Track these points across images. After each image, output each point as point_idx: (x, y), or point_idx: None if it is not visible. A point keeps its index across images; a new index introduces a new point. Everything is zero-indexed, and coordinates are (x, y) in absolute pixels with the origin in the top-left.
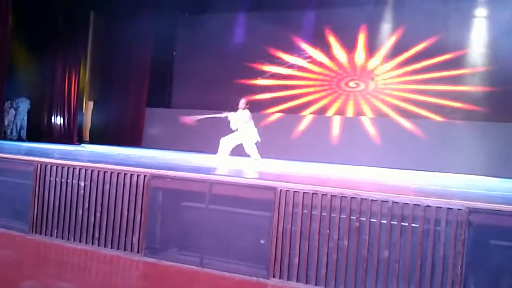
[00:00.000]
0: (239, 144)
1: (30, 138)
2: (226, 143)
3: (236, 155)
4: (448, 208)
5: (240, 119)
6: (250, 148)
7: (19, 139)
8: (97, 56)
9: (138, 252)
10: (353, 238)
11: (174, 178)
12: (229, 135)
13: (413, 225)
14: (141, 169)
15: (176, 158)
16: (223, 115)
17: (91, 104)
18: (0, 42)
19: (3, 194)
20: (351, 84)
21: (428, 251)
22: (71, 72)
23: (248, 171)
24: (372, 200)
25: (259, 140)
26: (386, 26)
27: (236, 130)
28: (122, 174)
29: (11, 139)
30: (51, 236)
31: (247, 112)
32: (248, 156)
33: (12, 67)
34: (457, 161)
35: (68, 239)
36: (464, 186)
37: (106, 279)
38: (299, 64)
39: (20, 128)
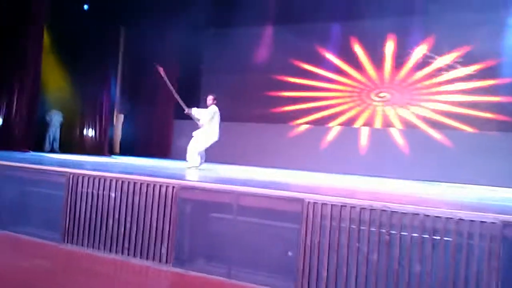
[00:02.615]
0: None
1: (62, 150)
2: (194, 147)
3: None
4: (481, 222)
5: (206, 115)
6: (198, 147)
7: (52, 151)
8: (127, 70)
9: (166, 262)
10: (383, 251)
11: (202, 190)
12: (193, 139)
13: (445, 238)
14: (170, 180)
15: (204, 168)
16: (186, 110)
17: (121, 117)
18: (35, 57)
19: (37, 205)
20: (379, 95)
21: (461, 266)
22: (102, 86)
23: (276, 182)
24: (402, 212)
25: (217, 140)
26: (414, 36)
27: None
28: (151, 185)
29: (44, 151)
30: (82, 245)
31: (213, 107)
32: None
33: (45, 81)
34: (490, 173)
35: (98, 248)
36: (497, 199)
37: None
38: (326, 75)
39: (53, 140)
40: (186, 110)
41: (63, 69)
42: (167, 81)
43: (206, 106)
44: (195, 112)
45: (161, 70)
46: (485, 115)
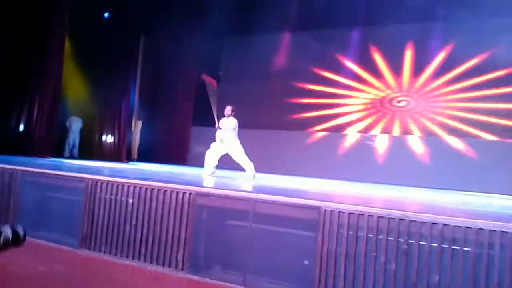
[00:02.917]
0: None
1: (81, 156)
2: (211, 155)
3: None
4: (502, 232)
5: (227, 127)
6: (243, 161)
7: (71, 156)
8: (146, 77)
9: (182, 269)
10: (401, 261)
11: (218, 196)
12: (213, 147)
13: (464, 248)
14: (187, 186)
15: (221, 175)
16: (217, 125)
17: (139, 123)
18: (56, 65)
19: (56, 210)
20: (398, 102)
21: (482, 276)
22: (121, 93)
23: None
24: (421, 222)
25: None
26: (434, 43)
27: (221, 141)
28: (168, 191)
29: (63, 157)
30: (99, 251)
31: (233, 119)
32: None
33: (65, 88)
34: (511, 182)
35: (115, 254)
36: None
37: None
38: (345, 82)
39: (73, 146)
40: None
41: (83, 76)
42: (211, 95)
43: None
44: (221, 124)
45: (208, 80)
46: (506, 123)
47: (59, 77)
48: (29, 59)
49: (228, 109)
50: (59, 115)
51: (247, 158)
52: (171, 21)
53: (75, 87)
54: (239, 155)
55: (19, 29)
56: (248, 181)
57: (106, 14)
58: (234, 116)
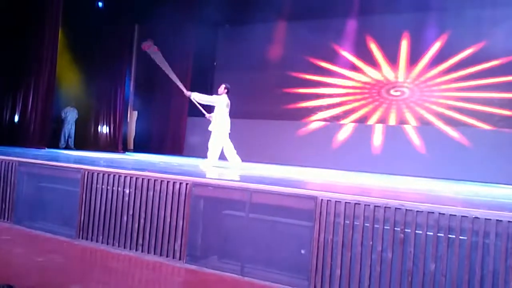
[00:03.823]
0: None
1: (77, 147)
2: (214, 146)
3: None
4: (497, 220)
5: (221, 103)
6: (212, 149)
7: (67, 147)
8: (141, 67)
9: (180, 259)
10: (397, 250)
11: (215, 187)
12: (213, 138)
13: (460, 237)
14: (183, 177)
15: (217, 165)
16: (186, 93)
17: (135, 113)
18: (50, 55)
19: (52, 201)
20: (394, 92)
21: (477, 265)
22: (117, 83)
23: (289, 180)
24: (417, 211)
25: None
26: (429, 32)
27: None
28: (165, 182)
29: (59, 148)
30: (96, 241)
31: (225, 97)
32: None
33: (60, 78)
34: (506, 171)
35: (113, 245)
36: None
37: (148, 285)
38: (340, 72)
39: (68, 137)
40: (187, 94)
41: (78, 66)
42: (159, 62)
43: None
44: (197, 96)
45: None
46: (501, 112)
47: (53, 68)
48: (22, 49)
49: (222, 87)
50: (54, 106)
51: (218, 150)
52: (165, 11)
53: (69, 77)
54: (213, 141)
55: (12, 19)
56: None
57: (100, 4)
58: (227, 94)
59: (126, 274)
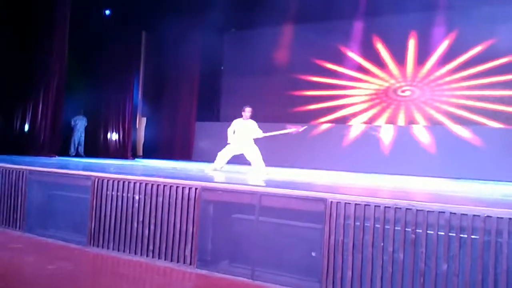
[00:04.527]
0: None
1: (87, 154)
2: (224, 155)
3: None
4: (510, 219)
5: (250, 129)
6: (258, 159)
7: (77, 155)
8: (149, 74)
9: (190, 264)
10: (408, 250)
11: (224, 191)
12: (227, 148)
13: (472, 236)
14: (193, 182)
15: (227, 170)
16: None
17: (144, 120)
18: (58, 64)
19: (63, 208)
20: (402, 92)
21: (490, 264)
22: (125, 90)
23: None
24: (428, 211)
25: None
26: (437, 31)
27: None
28: (174, 187)
29: (69, 156)
30: (107, 248)
31: (253, 121)
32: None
33: (69, 87)
34: None
35: (124, 251)
36: None
37: None
38: (348, 73)
39: (78, 145)
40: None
41: (86, 74)
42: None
43: (235, 111)
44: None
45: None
46: (511, 110)
47: (62, 76)
48: (31, 59)
49: (248, 110)
50: (64, 114)
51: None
52: (172, 18)
53: (78, 85)
54: (256, 154)
55: (20, 29)
56: (260, 176)
57: (107, 12)
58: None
59: (137, 280)
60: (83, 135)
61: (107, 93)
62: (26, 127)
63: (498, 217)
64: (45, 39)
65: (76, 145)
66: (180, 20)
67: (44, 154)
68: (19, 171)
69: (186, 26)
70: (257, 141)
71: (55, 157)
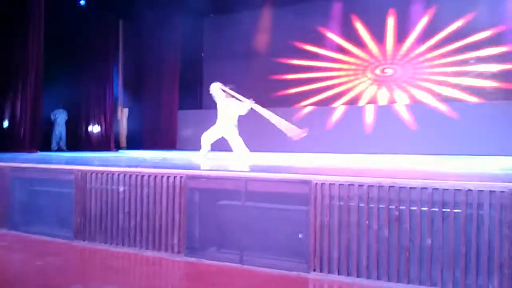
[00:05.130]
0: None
1: (69, 148)
2: (209, 137)
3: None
4: (490, 191)
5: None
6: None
7: (59, 149)
8: (128, 63)
9: (179, 252)
10: (393, 227)
11: (209, 178)
12: (211, 130)
13: (455, 210)
14: (177, 170)
15: (212, 158)
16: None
17: (126, 111)
18: (35, 57)
19: (47, 204)
20: (382, 71)
21: (473, 236)
22: (104, 81)
23: (283, 165)
24: (410, 188)
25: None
26: (415, 8)
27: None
28: (159, 176)
29: (51, 150)
30: (94, 241)
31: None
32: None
33: (47, 80)
34: (498, 143)
35: (111, 243)
36: (506, 168)
37: (149, 280)
38: (328, 55)
39: (60, 139)
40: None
41: (64, 66)
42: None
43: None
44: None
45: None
46: (491, 84)
47: (39, 70)
48: (6, 54)
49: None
50: (43, 109)
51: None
52: (149, 5)
53: (57, 79)
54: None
55: None
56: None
57: (82, 2)
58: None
59: (126, 271)
60: (64, 128)
61: (86, 85)
62: (6, 124)
63: (479, 190)
64: (20, 33)
65: (57, 140)
66: (157, 7)
67: (25, 150)
68: (0, 168)
69: (164, 12)
70: (239, 125)
71: (37, 152)
